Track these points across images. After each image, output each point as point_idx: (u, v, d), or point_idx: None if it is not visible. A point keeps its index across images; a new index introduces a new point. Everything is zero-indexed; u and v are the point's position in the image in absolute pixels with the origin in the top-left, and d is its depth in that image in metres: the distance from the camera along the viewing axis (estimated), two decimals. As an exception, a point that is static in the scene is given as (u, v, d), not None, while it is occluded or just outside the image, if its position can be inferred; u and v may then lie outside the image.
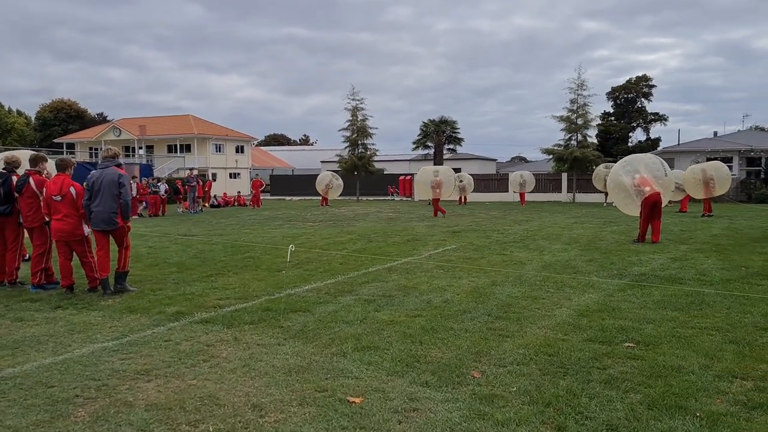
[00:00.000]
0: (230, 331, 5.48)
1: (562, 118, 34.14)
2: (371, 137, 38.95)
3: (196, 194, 25.68)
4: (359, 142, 38.40)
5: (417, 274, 8.59)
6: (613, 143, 59.38)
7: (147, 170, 28.11)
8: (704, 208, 19.96)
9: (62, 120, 65.42)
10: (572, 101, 34.04)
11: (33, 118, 70.94)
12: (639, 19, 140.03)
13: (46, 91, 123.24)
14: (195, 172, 27.02)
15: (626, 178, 12.50)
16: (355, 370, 4.37)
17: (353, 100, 38.11)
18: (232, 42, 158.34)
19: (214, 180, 40.89)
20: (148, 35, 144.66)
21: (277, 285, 7.83)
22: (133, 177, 24.02)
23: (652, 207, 12.07)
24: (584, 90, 33.75)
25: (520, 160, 79.41)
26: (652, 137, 64.71)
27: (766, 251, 10.70)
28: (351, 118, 38.38)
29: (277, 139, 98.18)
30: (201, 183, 27.44)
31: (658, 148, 47.10)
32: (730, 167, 31.86)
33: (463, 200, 31.60)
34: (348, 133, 38.58)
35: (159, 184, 23.77)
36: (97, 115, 72.45)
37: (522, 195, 30.97)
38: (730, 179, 20.17)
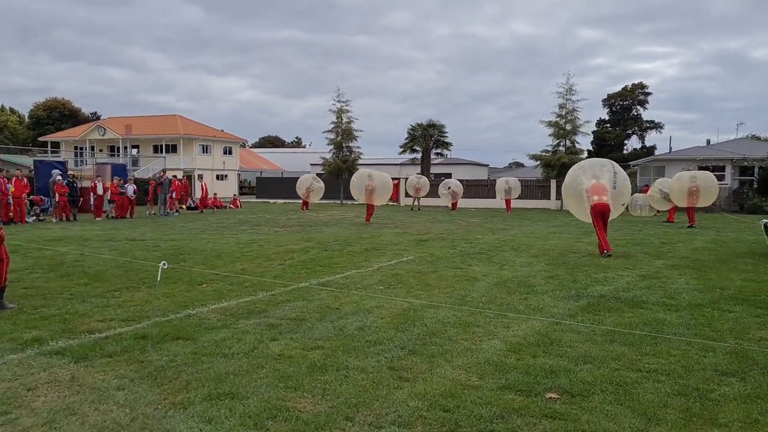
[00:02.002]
0: (74, 367, 4.49)
1: (550, 123, 33.23)
2: (356, 140, 38.02)
3: (168, 195, 24.63)
4: (344, 144, 37.44)
5: (350, 292, 7.61)
6: (608, 150, 58.56)
7: (121, 171, 27.02)
8: (689, 218, 19.06)
9: (55, 119, 64.39)
10: (561, 106, 33.16)
11: (26, 117, 69.97)
12: (636, 27, 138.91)
13: (44, 90, 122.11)
14: (166, 173, 26.01)
15: (585, 183, 11.66)
16: (185, 431, 3.39)
17: (338, 101, 37.23)
18: (230, 44, 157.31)
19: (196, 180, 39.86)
20: (147, 36, 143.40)
21: (183, 303, 6.85)
22: (98, 177, 23.06)
23: (601, 216, 11.64)
24: (573, 95, 32.87)
25: (517, 165, 78.50)
26: (648, 145, 63.93)
27: (747, 268, 9.74)
28: (336, 120, 37.46)
29: (272, 141, 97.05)
30: (179, 183, 26.53)
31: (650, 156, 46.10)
32: (723, 176, 31.04)
33: (453, 206, 30.76)
34: (332, 136, 37.64)
35: (126, 185, 22.76)
36: (91, 114, 71.31)
37: (507, 201, 30.00)
38: (716, 191, 19.21)
